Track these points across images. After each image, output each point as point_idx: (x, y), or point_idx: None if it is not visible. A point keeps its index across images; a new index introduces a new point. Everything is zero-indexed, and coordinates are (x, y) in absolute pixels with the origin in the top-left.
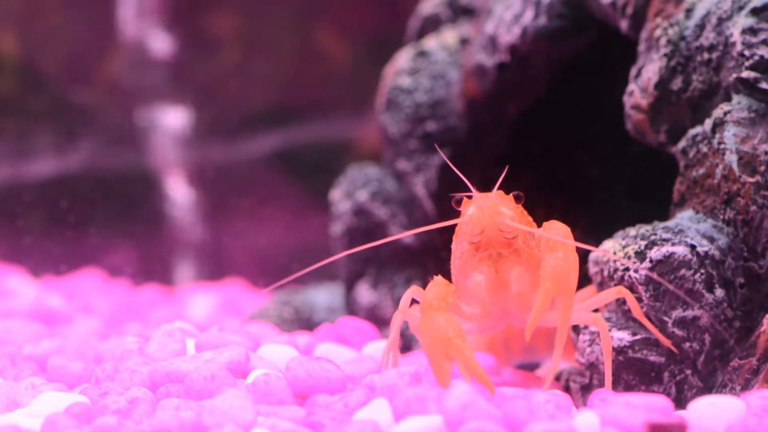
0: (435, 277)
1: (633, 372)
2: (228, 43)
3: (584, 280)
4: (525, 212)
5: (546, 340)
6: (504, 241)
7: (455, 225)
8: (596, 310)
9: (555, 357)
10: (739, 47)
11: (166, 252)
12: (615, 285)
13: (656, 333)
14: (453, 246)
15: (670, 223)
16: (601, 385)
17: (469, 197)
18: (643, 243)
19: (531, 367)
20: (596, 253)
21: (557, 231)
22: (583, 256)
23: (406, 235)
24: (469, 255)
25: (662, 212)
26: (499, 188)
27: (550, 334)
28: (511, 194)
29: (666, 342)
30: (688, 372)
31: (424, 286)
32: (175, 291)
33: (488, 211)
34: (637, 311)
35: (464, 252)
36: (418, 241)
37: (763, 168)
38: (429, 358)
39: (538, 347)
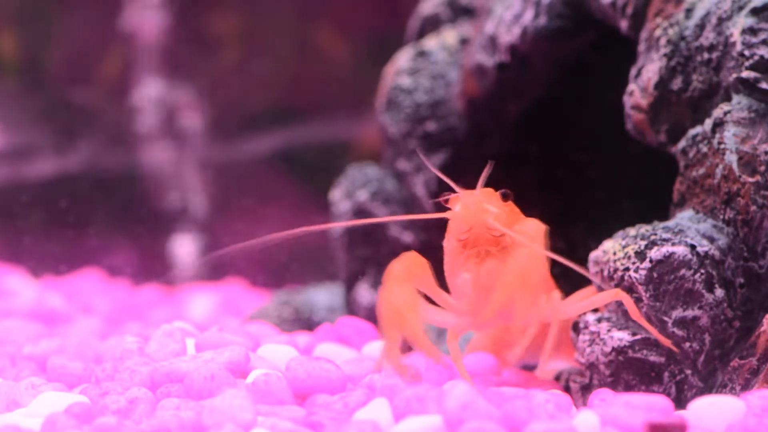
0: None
1: (633, 372)
2: (228, 43)
3: (584, 280)
4: (515, 210)
5: (556, 341)
6: (491, 239)
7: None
8: (596, 311)
9: (517, 350)
10: (739, 47)
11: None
12: (615, 285)
13: (655, 334)
14: (444, 243)
15: (670, 223)
16: (601, 385)
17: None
18: (643, 243)
19: (531, 367)
20: (596, 253)
21: (529, 229)
22: (583, 256)
23: (385, 221)
24: (457, 252)
25: (662, 212)
26: (495, 188)
27: (559, 336)
28: (498, 192)
29: (665, 342)
30: (688, 372)
31: None
32: (175, 291)
33: (473, 209)
34: (635, 313)
35: (453, 249)
36: (418, 240)
37: (763, 168)
38: (383, 329)
39: (542, 348)
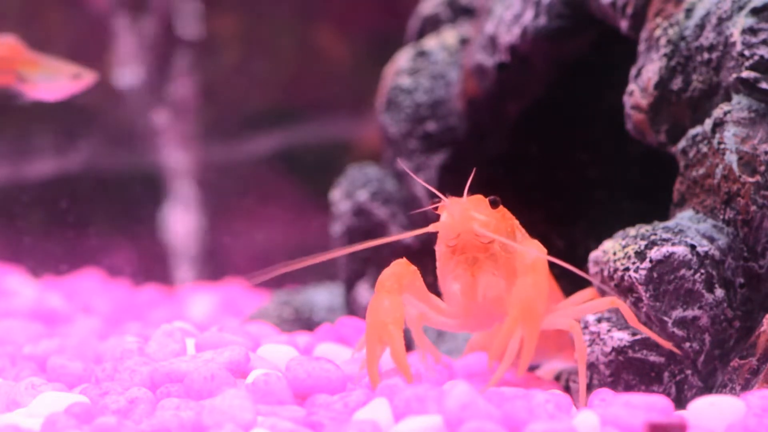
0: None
1: (633, 372)
2: (228, 43)
3: (585, 281)
4: (507, 216)
5: (556, 341)
6: (480, 246)
7: None
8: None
9: (498, 373)
10: (739, 47)
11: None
12: (615, 285)
13: (654, 337)
14: (436, 248)
15: (670, 223)
16: (601, 385)
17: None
18: (643, 243)
19: (531, 367)
20: (596, 253)
21: (530, 253)
22: (583, 257)
23: (367, 246)
24: (447, 258)
25: (662, 212)
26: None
27: (560, 336)
28: (487, 199)
29: (665, 344)
30: (688, 372)
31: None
32: (175, 291)
33: (459, 217)
34: (632, 320)
35: (443, 255)
36: (418, 241)
37: (763, 168)
38: (366, 339)
39: (547, 349)
